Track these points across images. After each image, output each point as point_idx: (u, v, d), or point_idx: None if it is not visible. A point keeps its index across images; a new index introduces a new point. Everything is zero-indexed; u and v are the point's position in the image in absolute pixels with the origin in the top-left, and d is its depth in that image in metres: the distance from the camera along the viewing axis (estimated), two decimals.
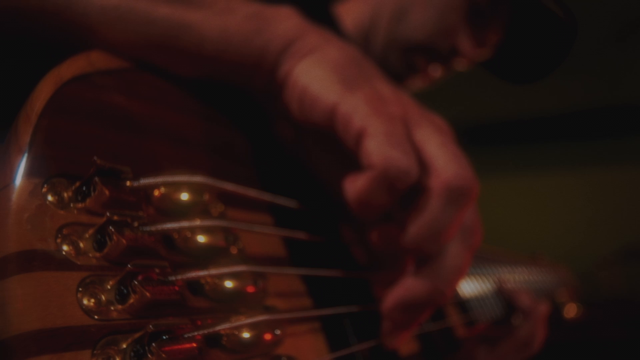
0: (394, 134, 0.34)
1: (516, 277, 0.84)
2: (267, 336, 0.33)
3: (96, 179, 0.29)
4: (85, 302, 0.27)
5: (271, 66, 0.39)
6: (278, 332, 0.34)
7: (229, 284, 0.33)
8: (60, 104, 0.32)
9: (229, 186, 0.36)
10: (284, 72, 0.39)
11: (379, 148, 0.33)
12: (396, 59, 0.86)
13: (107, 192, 0.29)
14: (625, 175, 2.53)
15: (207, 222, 0.33)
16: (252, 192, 0.37)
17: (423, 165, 0.35)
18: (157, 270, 0.29)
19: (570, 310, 1.06)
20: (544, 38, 0.90)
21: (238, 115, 0.43)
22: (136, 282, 0.27)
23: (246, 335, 0.32)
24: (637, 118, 2.71)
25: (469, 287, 0.66)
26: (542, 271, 0.91)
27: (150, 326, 0.26)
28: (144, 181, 0.31)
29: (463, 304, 0.63)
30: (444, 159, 0.34)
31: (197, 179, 0.34)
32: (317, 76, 0.37)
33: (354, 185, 0.35)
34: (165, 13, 0.37)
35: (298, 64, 0.38)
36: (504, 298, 0.67)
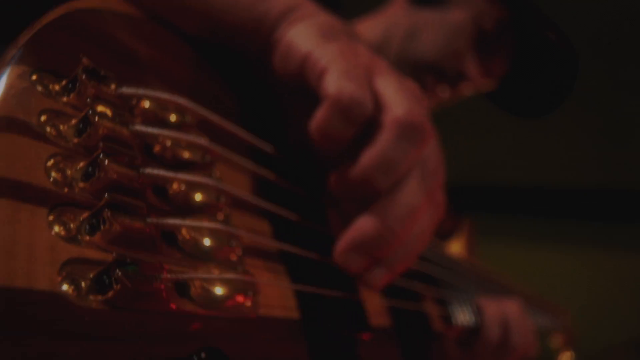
0: (352, 72, 0.36)
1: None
2: (239, 297, 0.33)
3: (82, 76, 0.31)
4: (53, 174, 0.28)
5: (268, 31, 0.42)
6: (250, 293, 0.34)
7: (205, 239, 0.33)
8: (65, 23, 0.35)
9: (212, 116, 0.37)
10: (278, 36, 0.42)
11: (335, 80, 0.35)
12: (406, 76, 0.89)
13: (92, 90, 0.32)
14: None
15: (191, 138, 0.35)
16: (232, 127, 0.39)
17: (379, 106, 0.36)
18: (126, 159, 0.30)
19: (564, 359, 1.02)
20: (546, 71, 0.93)
21: (230, 76, 0.46)
22: (104, 161, 0.29)
23: (218, 290, 0.32)
24: None
25: (450, 293, 0.66)
26: (538, 307, 0.89)
27: (106, 195, 0.28)
28: (127, 89, 0.34)
29: (442, 301, 0.62)
30: (398, 99, 0.36)
31: (182, 100, 0.36)
32: (302, 32, 0.40)
33: (314, 117, 0.36)
34: None
35: (291, 29, 0.41)
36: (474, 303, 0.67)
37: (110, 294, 0.26)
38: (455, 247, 1.03)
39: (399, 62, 0.86)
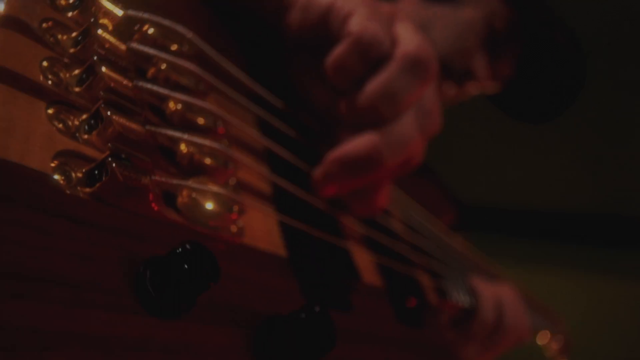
0: (375, 15, 0.38)
1: None
2: (226, 217, 0.34)
3: None
4: (49, 75, 0.29)
5: None
6: (237, 216, 0.34)
7: (202, 156, 0.34)
8: None
9: (212, 52, 0.38)
10: None
11: (360, 21, 0.38)
12: None
13: (98, 5, 0.32)
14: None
15: (184, 63, 0.35)
16: (232, 69, 0.40)
17: (394, 45, 0.38)
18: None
19: None
20: (552, 74, 0.93)
21: (241, 37, 0.47)
22: (100, 67, 0.30)
23: (205, 203, 0.32)
24: None
25: (445, 271, 0.65)
26: (532, 307, 0.88)
27: (103, 93, 0.28)
28: (132, 12, 0.34)
29: (437, 275, 0.62)
30: (412, 38, 0.38)
31: (183, 29, 0.36)
32: None
33: (333, 52, 0.38)
34: None
35: None
36: (469, 285, 0.66)
37: (97, 185, 0.26)
38: None
39: None
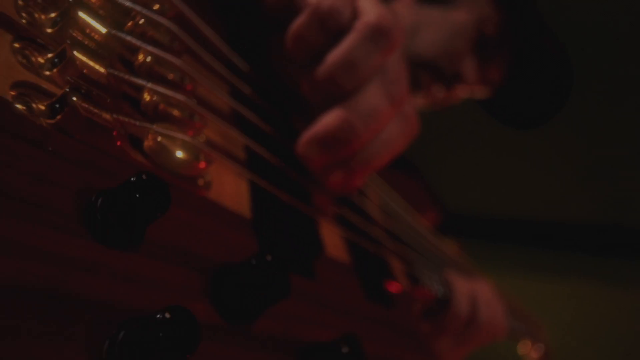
0: None
1: None
2: (193, 165, 0.34)
3: None
4: (23, 14, 0.30)
5: None
6: (204, 160, 0.35)
7: (168, 106, 0.34)
8: None
9: (191, 15, 0.39)
10: None
11: None
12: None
13: None
14: (627, 298, 2.42)
15: (162, 20, 0.36)
16: (212, 35, 0.41)
17: (355, 17, 0.38)
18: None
19: None
20: (542, 83, 0.94)
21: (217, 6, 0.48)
22: (74, 11, 0.30)
23: (172, 149, 0.33)
24: None
25: (419, 258, 0.66)
26: (513, 313, 0.88)
27: (71, 32, 0.29)
28: None
29: (410, 261, 0.62)
30: (373, 8, 0.38)
31: None
32: None
33: (292, 24, 0.39)
34: None
35: None
36: (444, 280, 0.66)
37: (59, 117, 0.27)
38: None
39: None
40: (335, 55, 0.37)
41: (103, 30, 0.32)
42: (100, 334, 0.23)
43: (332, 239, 0.48)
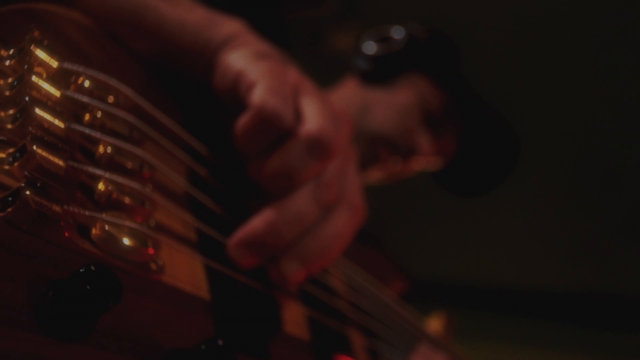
0: (278, 88, 0.41)
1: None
2: (143, 251, 0.35)
3: (29, 44, 0.36)
4: None
5: (211, 54, 0.47)
6: (152, 245, 0.35)
7: (121, 195, 0.35)
8: (26, 12, 0.40)
9: (146, 104, 0.41)
10: (219, 59, 0.47)
11: (260, 94, 0.40)
12: (362, 147, 0.95)
13: (35, 57, 0.36)
14: None
15: (120, 112, 0.38)
16: (167, 121, 0.43)
17: (299, 120, 0.41)
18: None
19: None
20: (487, 153, 1.00)
21: (174, 93, 0.50)
22: (33, 108, 0.32)
23: (121, 237, 0.33)
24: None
25: (383, 333, 0.66)
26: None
27: (32, 129, 0.30)
28: (69, 65, 0.38)
29: (372, 334, 0.62)
30: (316, 116, 0.41)
31: (118, 83, 0.40)
32: (238, 54, 0.45)
33: (238, 122, 0.41)
34: None
35: (231, 53, 0.46)
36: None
37: (9, 210, 0.28)
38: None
39: (356, 135, 0.92)
40: (274, 161, 0.40)
41: (62, 125, 0.33)
42: None
43: (293, 315, 0.48)
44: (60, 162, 0.31)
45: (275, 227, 0.40)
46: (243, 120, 0.41)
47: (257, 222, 0.40)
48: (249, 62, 0.44)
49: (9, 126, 0.32)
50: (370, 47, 1.01)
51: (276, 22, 0.92)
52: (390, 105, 0.96)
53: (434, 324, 1.10)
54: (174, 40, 0.47)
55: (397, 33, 1.01)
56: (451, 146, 1.01)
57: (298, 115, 0.41)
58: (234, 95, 0.44)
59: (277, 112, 0.39)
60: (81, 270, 0.27)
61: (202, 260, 0.40)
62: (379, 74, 0.99)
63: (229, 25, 0.48)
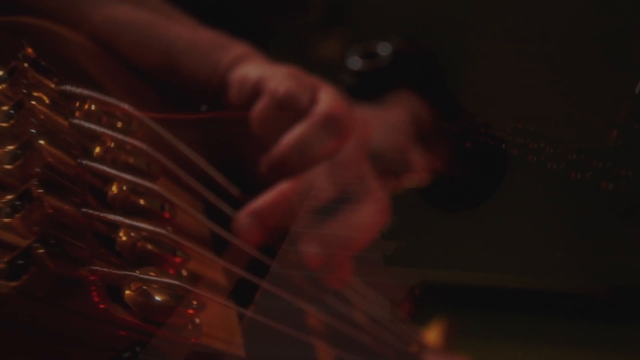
0: (295, 80, 0.41)
1: None
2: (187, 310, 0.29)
3: (22, 64, 0.29)
4: None
5: (222, 74, 0.45)
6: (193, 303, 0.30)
7: (146, 243, 0.30)
8: (9, 26, 0.34)
9: (153, 123, 0.35)
10: (232, 76, 0.45)
11: (278, 81, 0.41)
12: None
13: (31, 78, 0.29)
14: None
15: (134, 141, 0.32)
16: (180, 145, 0.37)
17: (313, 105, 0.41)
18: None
19: None
20: (476, 168, 1.01)
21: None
22: (37, 141, 0.26)
23: (157, 296, 0.28)
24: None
25: None
26: None
27: (38, 170, 0.24)
28: (71, 88, 0.31)
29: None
30: (330, 99, 0.41)
31: (126, 106, 0.34)
32: (253, 65, 0.45)
33: (255, 107, 0.41)
34: (150, 18, 0.47)
35: (245, 66, 0.45)
36: None
37: (24, 278, 0.22)
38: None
39: None
40: (288, 138, 0.40)
41: (72, 162, 0.27)
42: None
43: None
44: (74, 210, 0.25)
45: (287, 198, 0.39)
46: (259, 104, 0.41)
47: (270, 194, 0.39)
48: (267, 69, 0.44)
49: (8, 166, 0.26)
50: (355, 63, 1.00)
51: (261, 30, 0.90)
52: (383, 123, 0.95)
53: (434, 334, 1.07)
54: (184, 59, 0.46)
55: (384, 49, 1.00)
56: (439, 162, 1.01)
57: (314, 103, 0.41)
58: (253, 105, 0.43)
59: (291, 92, 0.40)
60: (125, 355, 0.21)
61: (236, 309, 0.35)
62: (364, 90, 0.98)
63: (237, 47, 0.47)
